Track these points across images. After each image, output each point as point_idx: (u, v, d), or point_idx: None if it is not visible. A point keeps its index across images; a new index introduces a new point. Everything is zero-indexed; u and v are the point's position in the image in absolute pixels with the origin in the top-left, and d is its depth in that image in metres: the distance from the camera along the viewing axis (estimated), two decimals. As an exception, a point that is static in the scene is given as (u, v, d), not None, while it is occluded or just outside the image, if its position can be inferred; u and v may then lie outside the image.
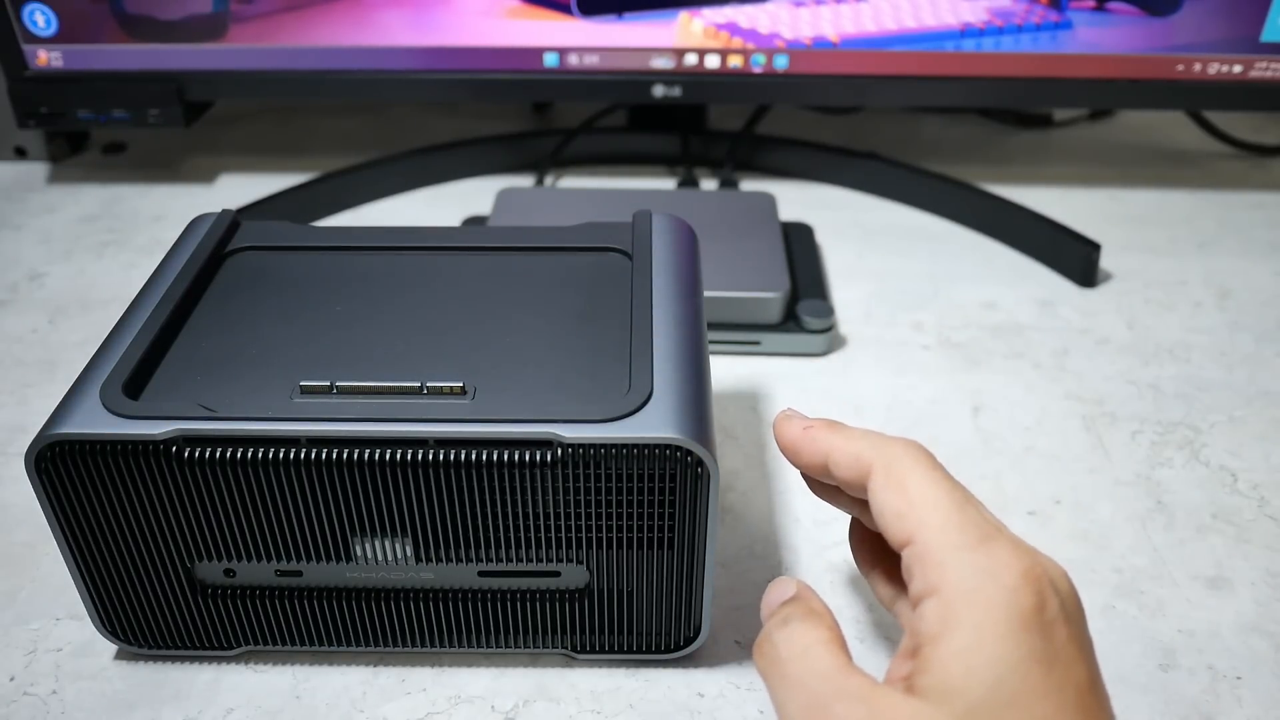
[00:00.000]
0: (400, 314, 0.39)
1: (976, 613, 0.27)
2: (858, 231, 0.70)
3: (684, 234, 0.44)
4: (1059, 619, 0.27)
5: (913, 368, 0.56)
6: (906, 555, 0.30)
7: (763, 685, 0.38)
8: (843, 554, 0.44)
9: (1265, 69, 0.66)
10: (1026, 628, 0.27)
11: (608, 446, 0.33)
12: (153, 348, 0.37)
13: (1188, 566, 0.44)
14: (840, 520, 0.46)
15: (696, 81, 0.68)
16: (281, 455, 0.33)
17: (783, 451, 0.35)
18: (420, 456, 0.33)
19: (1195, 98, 0.68)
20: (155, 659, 0.39)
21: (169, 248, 0.47)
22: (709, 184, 0.74)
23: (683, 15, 0.66)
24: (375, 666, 0.39)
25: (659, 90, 0.68)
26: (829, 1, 0.65)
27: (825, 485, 0.36)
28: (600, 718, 0.37)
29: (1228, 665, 0.40)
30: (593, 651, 0.39)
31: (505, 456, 0.33)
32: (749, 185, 0.75)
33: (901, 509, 0.30)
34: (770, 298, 0.56)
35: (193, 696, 0.38)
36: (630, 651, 0.39)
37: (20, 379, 0.56)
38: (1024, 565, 0.28)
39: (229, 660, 0.39)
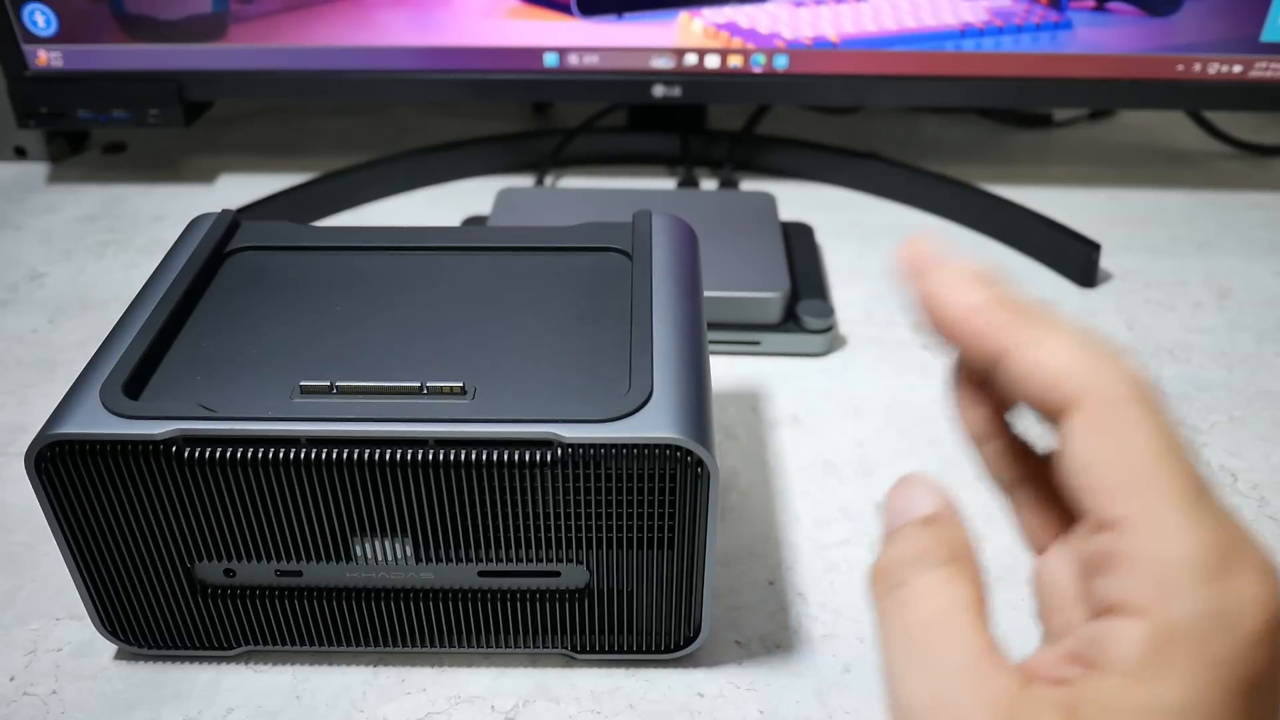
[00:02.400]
0: (400, 314, 0.39)
1: (1200, 669, 0.20)
2: (858, 231, 0.70)
3: (684, 234, 0.44)
4: None
5: (913, 368, 0.56)
6: (1105, 540, 0.22)
7: (763, 685, 0.39)
8: (843, 554, 0.45)
9: (1265, 69, 0.66)
10: (1255, 694, 0.20)
11: (608, 446, 0.33)
12: (153, 348, 0.37)
13: (1188, 566, 0.44)
14: (840, 520, 0.46)
15: (696, 81, 0.68)
16: (281, 455, 0.33)
17: (931, 319, 0.25)
18: (420, 456, 0.33)
19: (1195, 98, 0.68)
20: (155, 659, 0.39)
21: (169, 248, 0.47)
22: (709, 184, 0.74)
23: (683, 15, 0.66)
24: (375, 666, 0.39)
25: (659, 90, 0.68)
26: (829, 1, 0.65)
27: (969, 380, 0.26)
28: (600, 718, 0.37)
29: (1228, 665, 0.39)
30: (593, 651, 0.39)
31: (505, 456, 0.33)
32: (749, 185, 0.75)
33: (1117, 481, 0.21)
34: (770, 298, 0.56)
35: (193, 696, 0.38)
36: (630, 651, 0.39)
37: (20, 379, 0.56)
38: (1271, 605, 0.20)
39: (229, 660, 0.39)
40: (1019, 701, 0.21)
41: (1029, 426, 0.26)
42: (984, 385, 0.26)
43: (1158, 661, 0.20)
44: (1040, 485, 0.26)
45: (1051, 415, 0.23)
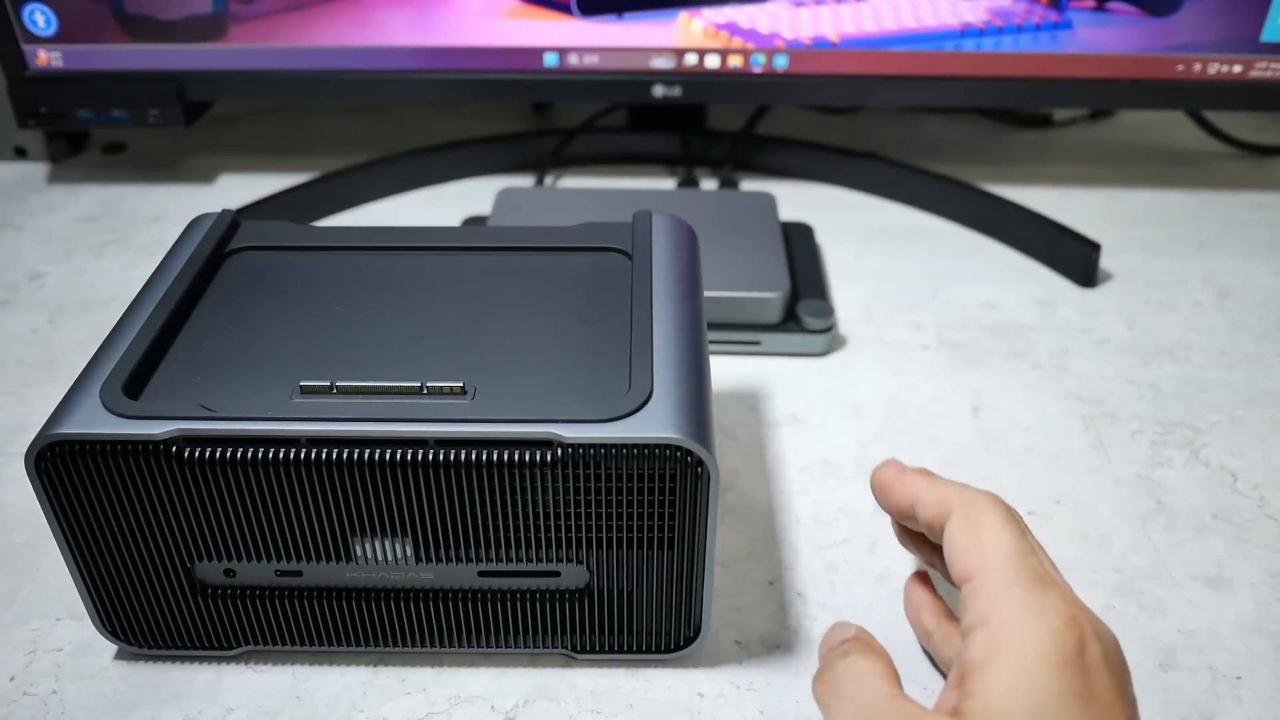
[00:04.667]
0: (400, 314, 0.39)
1: (1021, 645, 0.29)
2: (858, 231, 0.70)
3: (684, 234, 0.44)
4: (1099, 665, 0.29)
5: (913, 368, 0.56)
6: (965, 590, 0.32)
7: (763, 685, 0.39)
8: (843, 554, 0.44)
9: (1265, 69, 0.66)
10: (1066, 665, 0.29)
11: (608, 446, 0.33)
12: (153, 348, 0.37)
13: (1188, 566, 0.44)
14: (840, 520, 0.46)
15: (696, 81, 0.68)
16: (281, 455, 0.33)
17: (874, 492, 0.38)
18: (420, 456, 0.33)
19: (1195, 98, 0.68)
20: (155, 659, 0.39)
21: (169, 248, 0.47)
22: (709, 184, 0.74)
23: (683, 15, 0.66)
24: (375, 666, 0.39)
25: (659, 90, 0.68)
26: (829, 1, 0.65)
27: (910, 534, 0.39)
28: (600, 718, 0.37)
29: (1228, 665, 0.40)
30: (593, 651, 0.39)
31: (505, 456, 0.33)
32: (749, 185, 0.75)
33: (970, 546, 0.33)
34: (770, 298, 0.56)
35: (193, 696, 0.38)
36: (630, 651, 0.39)
37: (20, 379, 0.56)
38: (1071, 611, 0.30)
39: (229, 660, 0.39)
40: (923, 714, 0.30)
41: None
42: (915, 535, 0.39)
43: (996, 648, 0.30)
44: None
45: (940, 527, 0.35)
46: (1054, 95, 0.68)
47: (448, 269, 0.42)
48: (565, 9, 0.66)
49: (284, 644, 0.39)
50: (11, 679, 0.39)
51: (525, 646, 0.39)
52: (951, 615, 0.38)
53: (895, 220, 0.71)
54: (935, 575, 0.40)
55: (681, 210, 0.63)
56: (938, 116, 0.87)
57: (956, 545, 0.33)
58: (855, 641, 0.34)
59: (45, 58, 0.67)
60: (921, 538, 0.38)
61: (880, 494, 0.38)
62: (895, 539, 0.41)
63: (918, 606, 0.39)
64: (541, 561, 0.36)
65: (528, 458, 0.33)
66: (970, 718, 0.29)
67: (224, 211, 0.45)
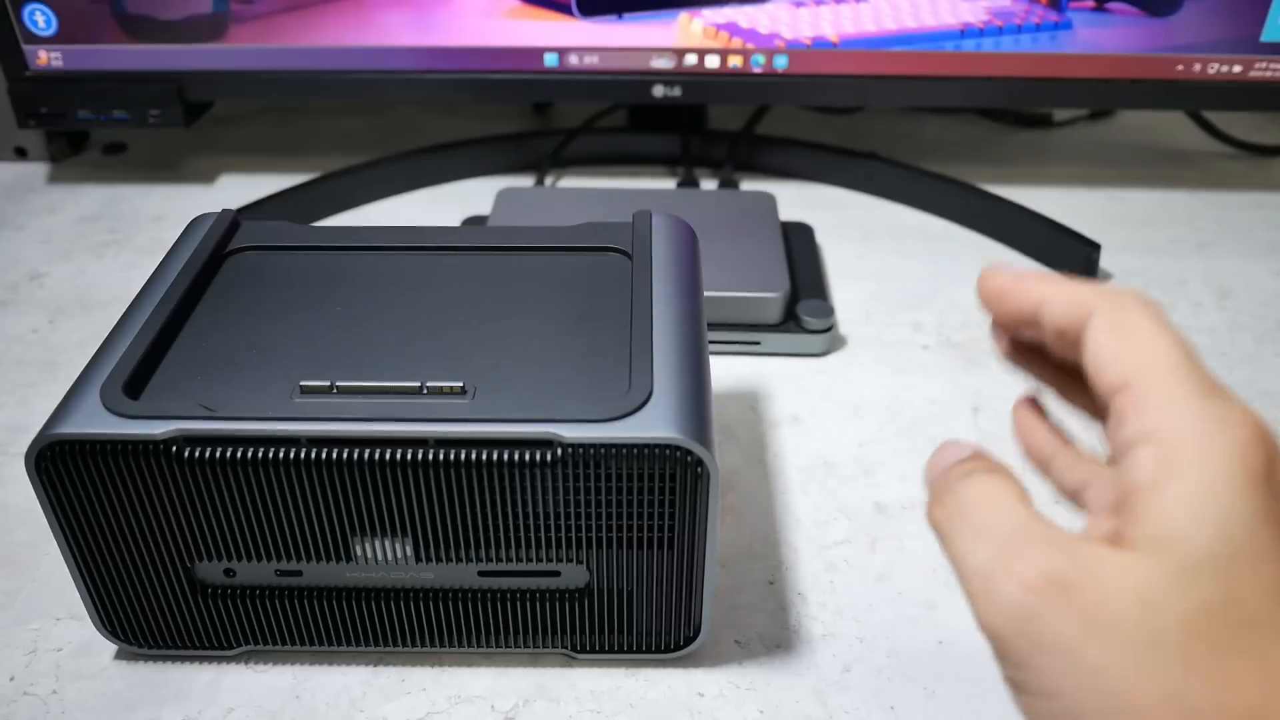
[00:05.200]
0: (400, 314, 0.39)
1: (1209, 460, 0.24)
2: (858, 231, 0.70)
3: (684, 234, 0.44)
4: None
5: (913, 368, 0.56)
6: (1119, 402, 0.26)
7: (763, 685, 0.39)
8: (843, 554, 0.44)
9: (1265, 69, 0.66)
10: (1257, 485, 0.24)
11: (608, 446, 0.33)
12: (153, 348, 0.37)
13: (1188, 566, 0.44)
14: (840, 520, 0.46)
15: (696, 81, 0.68)
16: (281, 455, 0.33)
17: (985, 302, 0.31)
18: (420, 456, 0.33)
19: (1195, 98, 0.68)
20: (155, 659, 0.39)
21: (169, 248, 0.47)
22: (709, 184, 0.74)
23: (683, 15, 0.66)
24: (375, 666, 0.39)
25: (659, 90, 0.68)
26: (829, 1, 0.65)
27: (1023, 349, 0.32)
28: (600, 718, 0.37)
29: (1228, 665, 0.39)
30: (593, 651, 0.39)
31: (505, 456, 0.33)
32: (749, 185, 0.75)
33: (1122, 350, 0.27)
34: (770, 298, 0.56)
35: (193, 696, 0.38)
36: (630, 651, 0.39)
37: (20, 379, 0.56)
38: (1255, 425, 0.25)
39: (229, 660, 0.39)
40: (1074, 539, 0.24)
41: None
42: (1034, 352, 0.32)
43: (1174, 464, 0.24)
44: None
45: (1076, 334, 0.28)
46: (1054, 95, 0.68)
47: (448, 269, 0.42)
48: (565, 9, 0.66)
49: (284, 644, 0.39)
50: (11, 679, 0.39)
51: (525, 646, 0.39)
52: (1069, 441, 0.33)
53: (895, 220, 0.71)
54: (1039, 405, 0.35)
55: (681, 210, 0.63)
56: (937, 116, 0.87)
57: (1105, 350, 0.27)
58: (978, 459, 0.29)
59: (45, 58, 0.67)
60: (1039, 353, 0.32)
61: (993, 301, 0.31)
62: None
63: (1030, 431, 0.33)
64: (541, 561, 0.36)
65: (528, 457, 0.33)
66: (1141, 544, 0.23)
67: (224, 211, 0.45)
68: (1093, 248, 0.63)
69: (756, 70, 0.67)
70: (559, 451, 0.33)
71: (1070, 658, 0.23)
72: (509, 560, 0.36)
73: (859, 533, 0.46)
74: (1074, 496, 0.32)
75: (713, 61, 0.67)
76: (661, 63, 0.68)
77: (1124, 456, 0.25)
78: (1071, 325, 0.28)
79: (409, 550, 0.36)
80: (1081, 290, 0.28)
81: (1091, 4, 0.65)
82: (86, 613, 0.39)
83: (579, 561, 0.36)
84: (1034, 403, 0.34)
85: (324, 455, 0.33)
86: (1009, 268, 0.31)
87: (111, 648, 0.40)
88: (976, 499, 0.27)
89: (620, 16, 0.66)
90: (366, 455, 0.33)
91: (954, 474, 0.29)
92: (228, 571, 0.37)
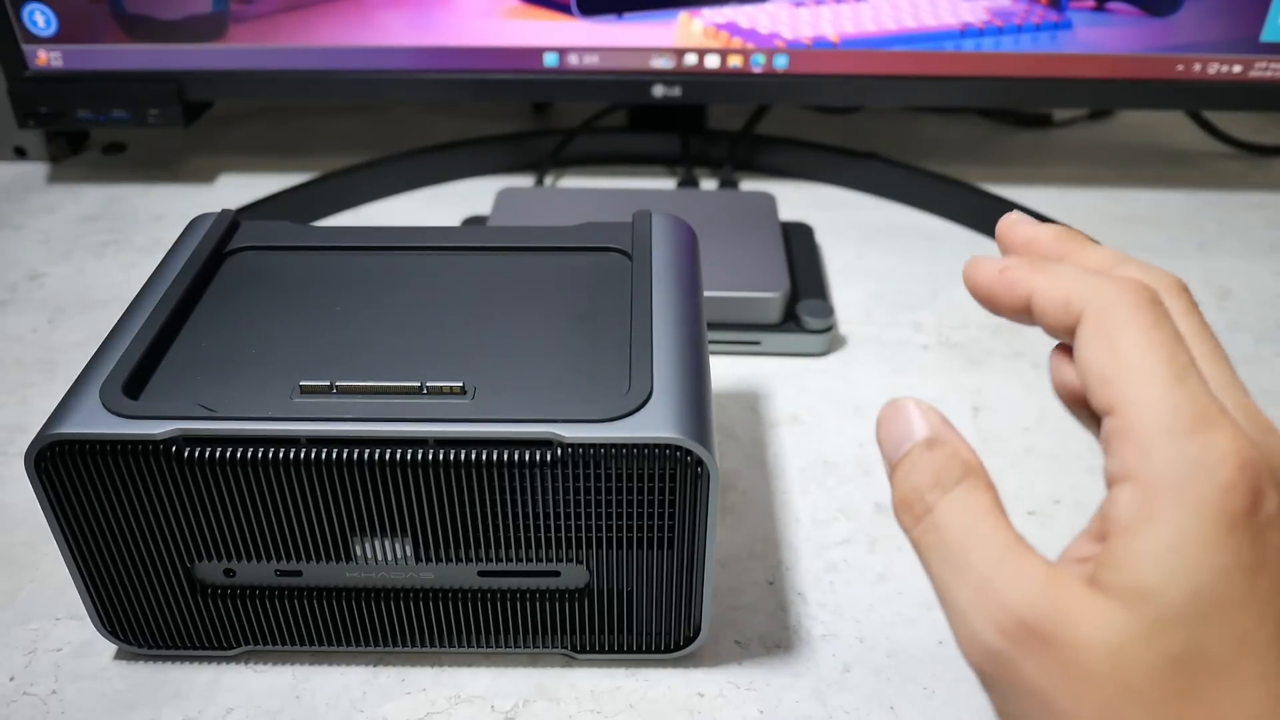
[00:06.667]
0: (400, 314, 0.39)
1: (1182, 511, 0.23)
2: (858, 231, 0.70)
3: (684, 234, 0.44)
4: (1275, 521, 0.23)
5: (912, 368, 0.56)
6: (1107, 425, 0.25)
7: (763, 685, 0.39)
8: (843, 554, 0.44)
9: (1265, 69, 0.66)
10: (1235, 530, 0.23)
11: (607, 446, 0.33)
12: (153, 348, 0.37)
13: (1188, 566, 0.44)
14: (840, 520, 0.46)
15: (696, 81, 0.68)
16: (281, 455, 0.33)
17: (977, 300, 0.30)
18: (420, 456, 0.33)
19: (1195, 98, 0.68)
20: (155, 659, 0.39)
21: (169, 248, 0.47)
22: (709, 184, 0.74)
23: (682, 15, 0.66)
24: (375, 666, 0.39)
25: (659, 90, 0.68)
26: (829, 1, 0.65)
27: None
28: (600, 718, 0.37)
29: (1228, 665, 0.39)
30: (593, 651, 0.39)
31: (505, 456, 0.33)
32: (749, 185, 0.75)
33: (1108, 370, 0.25)
34: (770, 298, 0.56)
35: (193, 696, 0.38)
36: (630, 651, 0.39)
37: (20, 379, 0.56)
38: (1243, 457, 0.23)
39: (229, 660, 0.39)
40: (1051, 579, 0.24)
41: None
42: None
43: (1149, 512, 0.23)
44: None
45: (1069, 336, 0.27)
46: (1054, 95, 0.68)
47: (448, 269, 0.42)
48: (565, 9, 0.66)
49: (284, 644, 0.39)
50: (11, 679, 0.39)
51: (525, 646, 0.39)
52: None
53: (895, 220, 0.71)
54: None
55: (681, 210, 0.63)
56: (937, 116, 0.87)
57: (1091, 367, 0.26)
58: (946, 457, 0.27)
59: (45, 58, 0.67)
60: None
61: (984, 303, 0.29)
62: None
63: (1066, 384, 0.30)
64: (541, 561, 0.36)
65: (528, 457, 0.33)
66: (1115, 593, 0.23)
67: (224, 211, 0.45)
68: (1093, 248, 0.63)
69: (756, 70, 0.67)
70: (559, 451, 0.33)
71: (1044, 704, 0.23)
72: (509, 560, 0.36)
73: (859, 533, 0.46)
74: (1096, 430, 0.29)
75: (713, 61, 0.67)
76: (661, 62, 0.68)
77: (1109, 486, 0.25)
78: (1063, 327, 0.27)
79: (409, 550, 0.36)
80: (1070, 283, 0.27)
81: (1091, 4, 0.65)
82: (86, 613, 0.39)
83: (579, 561, 0.36)
84: (1067, 350, 0.30)
85: (324, 455, 0.33)
86: (989, 260, 0.29)
87: (111, 648, 0.40)
88: (951, 522, 0.26)
89: (620, 16, 0.66)
90: (366, 455, 0.33)
91: (924, 478, 0.27)
92: (227, 571, 0.37)
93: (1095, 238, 0.66)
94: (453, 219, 0.70)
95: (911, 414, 0.28)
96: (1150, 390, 0.24)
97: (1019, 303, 0.28)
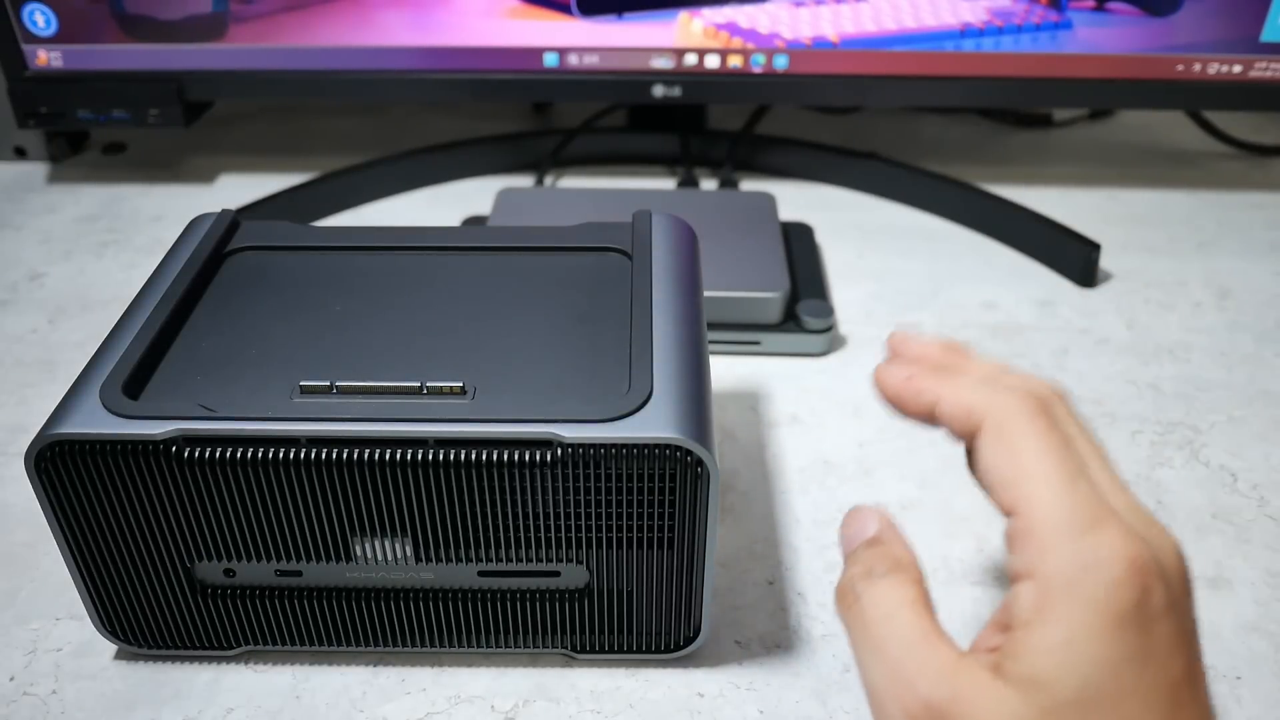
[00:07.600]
0: (400, 314, 0.39)
1: (1074, 608, 0.25)
2: (857, 231, 0.70)
3: (684, 234, 0.44)
4: (1162, 612, 0.26)
5: (913, 368, 0.56)
6: (1010, 525, 0.28)
7: (763, 685, 0.39)
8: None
9: (1265, 69, 0.66)
10: (1124, 626, 0.25)
11: (608, 446, 0.33)
12: (153, 348, 0.37)
13: (1188, 566, 0.44)
14: (840, 520, 0.46)
15: (696, 81, 0.68)
16: (281, 455, 0.33)
17: (884, 402, 0.32)
18: (420, 456, 0.33)
19: (1195, 98, 0.68)
20: (155, 659, 0.39)
21: (169, 248, 0.47)
22: (709, 184, 0.74)
23: (682, 15, 0.66)
24: (375, 666, 0.39)
25: (659, 90, 0.68)
26: (829, 1, 0.65)
27: None
28: (600, 718, 0.37)
29: (1228, 665, 0.40)
30: (593, 651, 0.39)
31: (505, 456, 0.33)
32: (749, 185, 0.75)
33: (1008, 477, 0.28)
34: (770, 298, 0.56)
35: (193, 696, 0.38)
36: (630, 651, 0.39)
37: (20, 379, 0.56)
38: (1131, 554, 0.26)
39: (229, 660, 0.39)
40: (957, 667, 0.26)
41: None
42: None
43: (1045, 609, 0.26)
44: None
45: (971, 443, 0.30)
46: (1054, 95, 0.68)
47: (448, 269, 0.42)
48: (565, 9, 0.66)
49: (284, 644, 0.39)
50: (11, 679, 0.39)
51: (525, 646, 0.39)
52: None
53: (895, 220, 0.71)
54: None
55: (681, 210, 0.63)
56: (937, 116, 0.87)
57: (993, 474, 0.28)
58: (881, 554, 0.30)
59: (45, 58, 0.67)
60: None
61: (892, 405, 0.32)
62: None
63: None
64: (541, 561, 0.36)
65: (528, 458, 0.33)
66: (1014, 680, 0.26)
67: (224, 211, 0.45)
68: (1092, 248, 0.63)
69: (756, 70, 0.67)
70: (559, 451, 0.33)
71: None
72: (509, 560, 0.36)
73: (859, 533, 0.46)
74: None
75: (713, 61, 0.67)
76: (661, 62, 0.68)
77: (1012, 581, 0.27)
78: (964, 434, 0.30)
79: (409, 550, 0.36)
80: (972, 395, 0.29)
81: (1091, 4, 0.65)
82: (86, 613, 0.39)
83: (579, 561, 0.36)
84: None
85: (324, 455, 0.33)
86: (896, 366, 0.32)
87: (111, 648, 0.40)
88: (874, 610, 0.28)
89: (620, 16, 0.66)
90: (366, 455, 0.33)
91: (857, 570, 0.30)
92: (227, 572, 0.37)
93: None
94: (453, 219, 0.70)
95: (866, 518, 0.31)
96: (1047, 492, 0.27)
97: (925, 408, 0.31)
